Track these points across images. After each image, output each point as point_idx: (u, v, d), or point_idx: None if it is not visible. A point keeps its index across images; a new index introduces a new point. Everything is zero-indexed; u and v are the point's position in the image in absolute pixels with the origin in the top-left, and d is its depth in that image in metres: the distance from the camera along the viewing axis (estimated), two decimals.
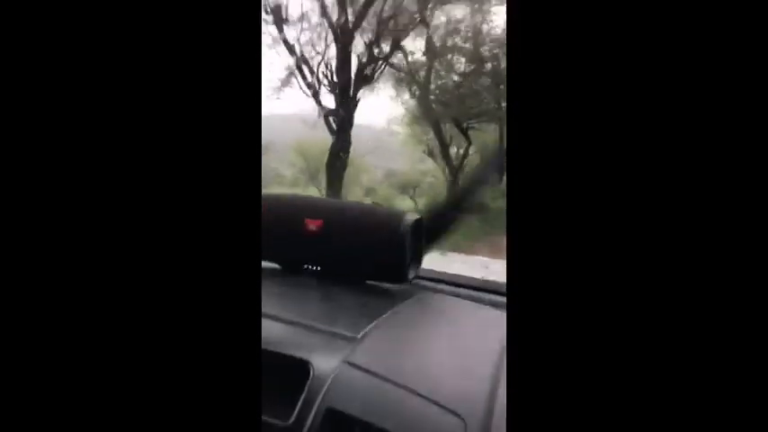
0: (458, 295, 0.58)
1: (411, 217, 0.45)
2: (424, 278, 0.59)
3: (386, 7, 4.27)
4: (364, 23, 4.21)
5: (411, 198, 10.83)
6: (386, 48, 4.98)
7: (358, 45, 4.58)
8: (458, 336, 0.41)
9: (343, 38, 3.83)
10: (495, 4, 6.25)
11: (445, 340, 0.40)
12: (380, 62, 5.12)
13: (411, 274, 0.46)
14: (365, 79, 4.94)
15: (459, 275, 0.64)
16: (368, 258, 0.45)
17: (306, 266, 0.49)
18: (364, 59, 4.26)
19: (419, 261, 0.49)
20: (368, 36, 4.28)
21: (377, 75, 5.10)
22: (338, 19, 3.68)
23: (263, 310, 0.32)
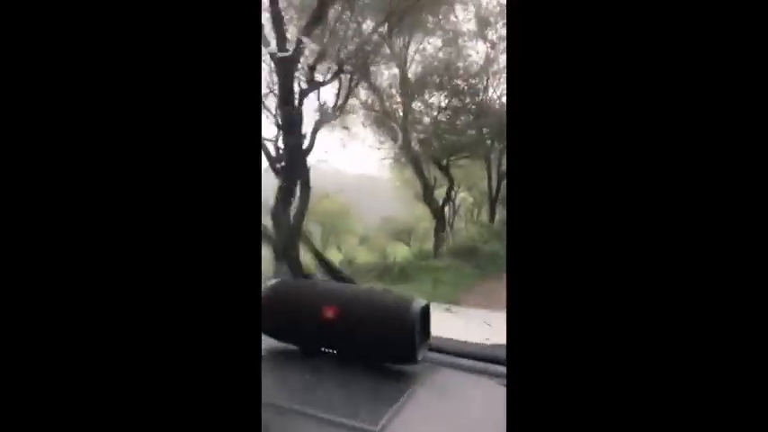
0: (463, 366, 0.59)
1: (418, 304, 0.48)
2: (433, 349, 0.59)
3: (330, 33, 3.93)
4: (308, 52, 3.86)
5: (406, 244, 10.36)
6: (345, 78, 4.60)
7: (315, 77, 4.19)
8: (464, 416, 0.45)
9: (284, 69, 3.44)
10: (469, 39, 5.98)
11: (453, 424, 0.43)
12: (337, 94, 4.71)
13: (420, 356, 0.49)
14: (325, 115, 4.49)
15: (464, 343, 0.64)
16: (380, 343, 0.48)
17: (323, 349, 0.51)
18: (304, 86, 3.82)
19: (428, 341, 0.51)
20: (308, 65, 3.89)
21: (336, 110, 4.67)
22: (278, 49, 3.32)
23: (287, 402, 0.38)
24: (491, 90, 6.36)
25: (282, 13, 3.62)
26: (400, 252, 8.53)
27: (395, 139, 6.31)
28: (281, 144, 4.16)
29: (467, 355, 0.60)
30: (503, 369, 0.55)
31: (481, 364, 0.58)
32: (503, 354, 0.56)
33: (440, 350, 0.60)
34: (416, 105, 6.19)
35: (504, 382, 0.49)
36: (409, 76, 6.04)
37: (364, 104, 6.32)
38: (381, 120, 6.32)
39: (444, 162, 6.33)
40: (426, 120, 6.30)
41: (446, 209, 7.00)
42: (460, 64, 6.00)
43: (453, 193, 7.13)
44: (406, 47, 5.98)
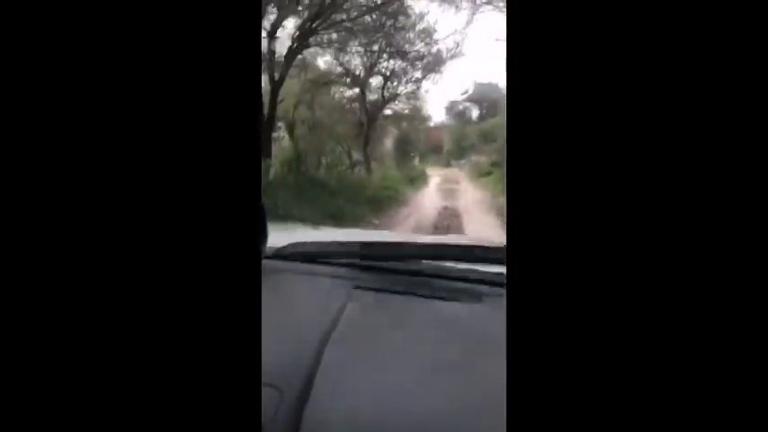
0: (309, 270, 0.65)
1: None
2: (273, 256, 0.66)
3: None
4: None
5: None
6: None
7: None
8: (293, 313, 0.49)
9: None
10: None
11: (281, 321, 0.46)
12: None
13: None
14: None
15: (306, 244, 0.70)
16: None
17: None
18: None
19: (263, 245, 0.54)
20: None
21: None
22: None
23: None
24: None
25: None
26: None
27: None
28: None
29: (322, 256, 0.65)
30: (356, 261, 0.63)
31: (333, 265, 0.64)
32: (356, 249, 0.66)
33: (283, 257, 0.65)
34: None
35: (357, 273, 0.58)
36: None
37: None
38: None
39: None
40: None
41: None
42: None
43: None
44: None
